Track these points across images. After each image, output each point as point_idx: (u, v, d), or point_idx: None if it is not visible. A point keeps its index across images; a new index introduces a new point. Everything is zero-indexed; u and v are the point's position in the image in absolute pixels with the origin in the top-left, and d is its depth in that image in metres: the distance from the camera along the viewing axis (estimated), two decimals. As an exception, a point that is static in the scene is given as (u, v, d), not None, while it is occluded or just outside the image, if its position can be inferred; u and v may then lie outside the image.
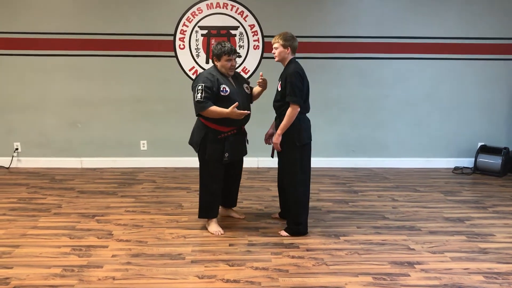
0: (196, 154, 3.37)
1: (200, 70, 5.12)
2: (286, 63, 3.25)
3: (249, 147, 3.54)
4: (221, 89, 3.16)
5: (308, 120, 3.33)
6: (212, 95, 3.13)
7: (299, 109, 3.15)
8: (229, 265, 2.85)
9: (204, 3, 5.08)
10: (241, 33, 5.16)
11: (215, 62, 3.27)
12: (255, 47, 5.20)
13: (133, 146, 5.39)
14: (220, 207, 3.60)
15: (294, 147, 3.21)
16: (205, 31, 5.15)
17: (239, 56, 5.15)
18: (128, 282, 2.63)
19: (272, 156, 3.45)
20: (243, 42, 5.18)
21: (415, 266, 2.87)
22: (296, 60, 3.27)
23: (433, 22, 5.21)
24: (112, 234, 3.33)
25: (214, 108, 3.10)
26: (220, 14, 5.11)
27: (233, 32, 5.16)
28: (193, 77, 5.16)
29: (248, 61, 5.22)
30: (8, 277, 2.66)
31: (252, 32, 5.17)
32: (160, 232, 3.38)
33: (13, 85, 5.16)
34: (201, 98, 3.10)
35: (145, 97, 5.26)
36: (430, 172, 5.33)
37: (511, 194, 4.52)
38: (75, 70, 5.16)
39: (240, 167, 3.58)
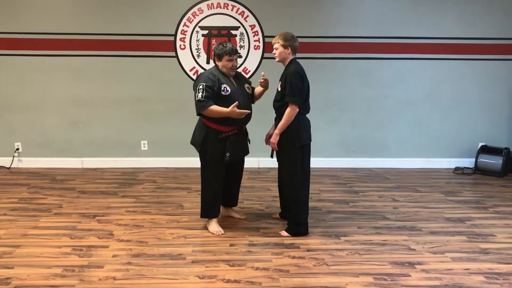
0: (197, 154, 3.37)
1: (200, 70, 5.12)
2: (286, 63, 3.25)
3: (249, 147, 3.54)
4: (222, 88, 3.17)
5: (308, 121, 3.33)
6: (213, 95, 3.14)
7: (298, 109, 3.15)
8: (230, 265, 2.85)
9: (205, 3, 5.08)
10: (241, 33, 5.16)
11: (217, 62, 3.28)
12: (255, 47, 5.20)
13: (134, 146, 5.39)
14: (221, 207, 3.60)
15: (294, 147, 3.21)
16: (205, 31, 5.15)
17: (240, 57, 5.15)
18: (129, 282, 2.63)
19: (272, 157, 3.45)
20: (243, 42, 5.18)
21: (416, 266, 2.87)
22: (297, 60, 3.27)
23: (433, 22, 5.21)
24: (113, 234, 3.33)
25: (215, 107, 3.11)
26: (220, 15, 5.11)
27: (233, 32, 5.16)
28: (194, 77, 5.16)
29: (249, 61, 5.23)
30: (9, 277, 2.66)
31: (252, 32, 5.17)
32: (160, 232, 3.38)
33: (13, 85, 5.16)
34: (202, 98, 3.11)
35: (145, 97, 5.26)
36: (431, 173, 5.33)
37: (512, 194, 4.53)
38: (75, 70, 5.16)
39: (241, 166, 3.59)
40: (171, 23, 5.12)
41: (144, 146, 5.40)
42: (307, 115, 3.32)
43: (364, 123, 5.45)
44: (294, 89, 3.11)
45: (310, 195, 3.57)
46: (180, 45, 5.17)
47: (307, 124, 3.30)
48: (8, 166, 5.31)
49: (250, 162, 5.10)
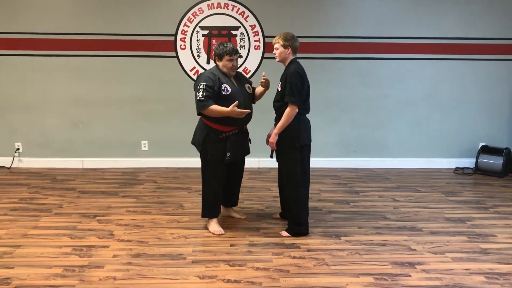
0: (198, 154, 3.38)
1: (201, 71, 5.12)
2: (287, 63, 3.25)
3: (250, 147, 3.54)
4: (223, 88, 3.18)
5: (308, 121, 3.32)
6: (214, 94, 3.14)
7: (297, 110, 3.15)
8: (230, 266, 2.85)
9: (205, 3, 5.08)
10: (242, 34, 5.16)
11: (217, 62, 3.29)
12: (256, 47, 5.20)
13: (134, 146, 5.39)
14: (221, 207, 3.60)
15: (294, 147, 3.20)
16: (206, 32, 5.15)
17: (241, 57, 5.15)
18: (129, 282, 2.63)
19: (272, 157, 3.44)
20: (244, 43, 5.18)
21: (416, 266, 2.87)
22: (297, 60, 3.27)
23: (433, 22, 5.21)
24: (113, 234, 3.33)
25: (215, 107, 3.12)
26: (221, 15, 5.11)
27: (234, 32, 5.16)
28: (194, 77, 5.16)
29: (249, 61, 5.23)
30: (9, 277, 2.67)
31: (253, 33, 5.17)
32: (161, 232, 3.38)
33: (14, 85, 5.17)
34: (202, 97, 3.12)
35: (146, 97, 5.27)
36: (431, 173, 5.33)
37: (512, 194, 4.53)
38: (76, 70, 5.16)
39: (241, 166, 3.59)
40: (171, 23, 5.12)
41: (145, 146, 5.40)
42: (307, 115, 3.32)
43: (364, 123, 5.45)
44: (294, 89, 3.11)
45: (310, 195, 3.57)
46: (181, 45, 5.17)
47: (307, 124, 3.30)
48: (9, 166, 5.31)
49: (250, 162, 5.10)
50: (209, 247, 3.14)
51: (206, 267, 2.83)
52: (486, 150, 5.33)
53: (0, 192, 4.36)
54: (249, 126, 3.49)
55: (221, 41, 3.31)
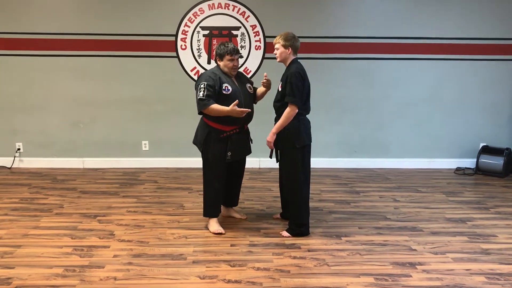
0: (198, 154, 3.39)
1: (201, 71, 5.13)
2: (288, 63, 3.25)
3: (251, 147, 3.54)
4: (223, 87, 3.18)
5: (308, 122, 3.32)
6: (214, 94, 3.15)
7: (297, 110, 3.15)
8: (231, 266, 2.85)
9: (206, 3, 5.08)
10: (242, 34, 5.16)
11: (218, 62, 3.30)
12: (256, 47, 5.20)
13: (135, 147, 5.39)
14: (222, 206, 3.60)
15: (294, 148, 3.20)
16: (206, 32, 5.15)
17: (241, 57, 5.15)
18: (130, 282, 2.63)
19: (271, 157, 3.43)
20: (244, 43, 5.18)
21: (417, 266, 2.86)
22: (298, 60, 3.27)
23: (435, 23, 5.20)
24: (114, 234, 3.33)
25: (216, 106, 3.13)
26: (221, 15, 5.12)
27: (234, 32, 5.16)
28: (195, 77, 5.16)
29: (250, 61, 5.23)
30: (10, 277, 2.67)
31: (253, 33, 5.17)
32: (161, 233, 3.38)
33: (15, 86, 5.17)
34: (203, 96, 3.13)
35: (146, 97, 5.27)
36: (432, 173, 5.33)
37: (513, 194, 4.52)
38: (77, 71, 5.17)
39: (242, 166, 3.59)
40: (172, 23, 5.12)
41: (145, 146, 5.40)
42: (307, 116, 3.32)
43: (365, 124, 5.44)
44: (294, 90, 3.10)
45: (311, 195, 3.57)
46: (181, 45, 5.17)
47: (307, 124, 3.29)
48: (9, 166, 5.32)
49: (251, 162, 5.10)
50: (209, 247, 3.13)
51: (206, 267, 2.83)
52: (487, 150, 5.33)
53: (1, 192, 4.37)
54: (249, 126, 3.49)
55: (221, 41, 3.32)
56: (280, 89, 3.24)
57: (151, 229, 3.45)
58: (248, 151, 3.50)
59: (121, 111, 5.29)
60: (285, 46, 3.19)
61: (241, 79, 3.41)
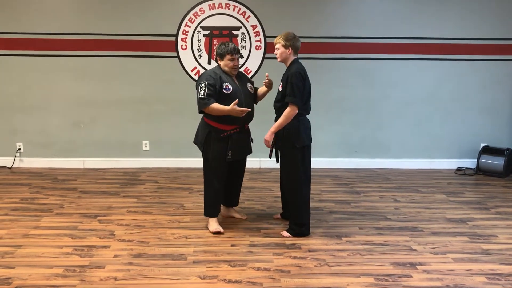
0: (198, 154, 3.39)
1: (202, 71, 5.13)
2: (288, 63, 3.25)
3: (252, 147, 3.54)
4: (224, 87, 3.19)
5: (308, 122, 3.31)
6: (215, 93, 3.16)
7: (297, 110, 3.15)
8: (231, 266, 2.85)
9: (206, 3, 5.08)
10: (243, 34, 5.16)
11: (219, 62, 3.31)
12: (257, 47, 5.20)
13: (135, 147, 5.39)
14: (222, 206, 3.60)
15: (294, 148, 3.20)
16: (207, 32, 5.15)
17: (242, 57, 5.14)
18: (130, 282, 2.63)
19: (270, 157, 3.42)
20: (245, 43, 5.18)
21: (417, 267, 2.86)
22: (299, 60, 3.26)
23: (435, 23, 5.20)
24: (114, 234, 3.33)
25: (216, 105, 3.13)
26: (222, 15, 5.12)
27: (235, 32, 5.16)
28: (195, 77, 5.16)
29: (250, 61, 5.23)
30: (10, 277, 2.67)
31: (254, 33, 5.17)
32: (162, 233, 3.38)
33: (15, 85, 5.17)
34: (203, 95, 3.14)
35: (147, 97, 5.27)
36: (433, 173, 5.32)
37: (514, 195, 4.52)
38: (77, 71, 5.17)
39: (243, 166, 3.59)
40: (172, 24, 5.12)
41: (146, 146, 5.40)
42: (308, 116, 3.32)
43: (366, 124, 5.44)
44: (295, 90, 3.10)
45: (311, 195, 3.57)
46: (182, 45, 5.17)
47: (307, 125, 3.29)
48: (10, 166, 5.32)
49: (251, 162, 5.10)
50: (210, 247, 3.13)
51: (207, 267, 2.82)
52: (487, 150, 5.33)
53: (1, 192, 4.37)
54: (250, 126, 3.49)
55: (222, 41, 3.33)
56: (280, 89, 3.24)
57: (151, 229, 3.45)
58: (249, 151, 3.50)
59: (121, 111, 5.29)
60: (285, 46, 3.19)
61: (242, 78, 3.41)
